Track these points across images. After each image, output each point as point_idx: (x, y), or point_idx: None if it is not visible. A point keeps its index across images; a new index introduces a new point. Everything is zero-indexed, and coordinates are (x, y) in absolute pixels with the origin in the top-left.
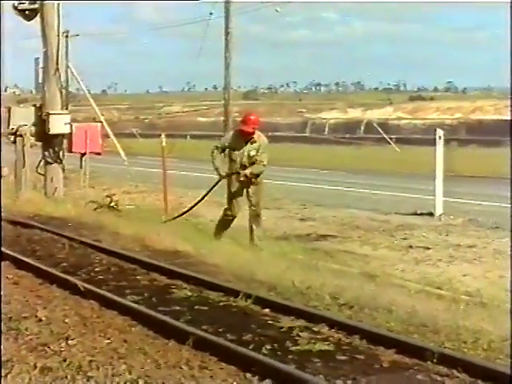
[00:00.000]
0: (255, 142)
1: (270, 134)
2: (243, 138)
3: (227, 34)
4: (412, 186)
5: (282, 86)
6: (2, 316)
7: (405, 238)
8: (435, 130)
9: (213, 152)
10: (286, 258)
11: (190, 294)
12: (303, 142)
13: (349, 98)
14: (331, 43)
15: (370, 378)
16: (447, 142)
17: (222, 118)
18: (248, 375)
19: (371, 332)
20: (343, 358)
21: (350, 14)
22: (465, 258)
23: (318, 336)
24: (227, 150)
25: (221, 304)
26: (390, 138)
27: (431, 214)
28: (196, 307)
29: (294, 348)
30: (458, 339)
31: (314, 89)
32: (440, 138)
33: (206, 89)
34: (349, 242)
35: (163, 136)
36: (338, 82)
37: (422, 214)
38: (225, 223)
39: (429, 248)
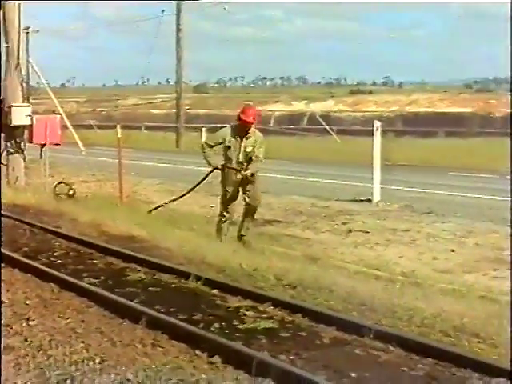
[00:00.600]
0: (250, 137)
1: (219, 125)
2: (240, 132)
3: (178, 30)
4: (351, 174)
5: (231, 79)
6: None
7: (345, 223)
8: (373, 122)
9: (203, 146)
10: (234, 242)
11: (143, 276)
12: None
13: (293, 91)
14: (276, 40)
15: (312, 353)
16: (384, 133)
17: (174, 110)
18: (198, 352)
19: (313, 310)
20: (287, 334)
21: (293, 12)
22: (400, 241)
23: (264, 315)
24: (223, 148)
25: (172, 285)
26: (332, 129)
27: (369, 201)
28: (149, 289)
29: (240, 326)
30: (394, 316)
31: (260, 83)
32: (377, 129)
33: (159, 83)
34: (292, 227)
35: (119, 127)
36: (282, 77)
37: (360, 201)
38: (221, 225)
39: (367, 232)
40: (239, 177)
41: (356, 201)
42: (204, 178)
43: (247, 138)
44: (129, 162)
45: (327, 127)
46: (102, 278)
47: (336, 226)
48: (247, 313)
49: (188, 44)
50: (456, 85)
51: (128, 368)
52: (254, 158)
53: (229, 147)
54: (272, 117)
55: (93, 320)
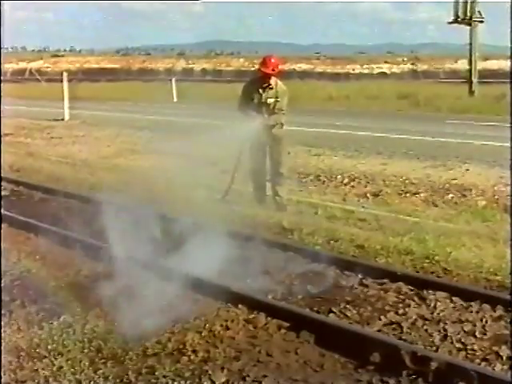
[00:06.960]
0: (272, 88)
1: None
2: (260, 83)
3: None
4: (54, 105)
5: None
6: None
7: (49, 133)
8: (62, 74)
9: (239, 107)
10: None
11: None
12: None
13: (19, 56)
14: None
15: (29, 208)
16: (70, 80)
17: None
18: None
19: (30, 184)
20: (14, 198)
21: None
22: (80, 142)
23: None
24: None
25: None
26: (42, 79)
27: (63, 119)
28: None
29: None
30: (70, 182)
31: None
32: (65, 77)
33: None
34: (20, 137)
35: None
36: (13, 47)
37: (58, 120)
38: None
39: (61, 138)
40: (260, 124)
41: (56, 120)
42: None
43: (268, 90)
44: None
45: (39, 77)
46: None
47: (44, 135)
48: None
49: None
50: (107, 51)
51: None
52: (276, 111)
53: (252, 100)
54: (8, 71)
55: None
